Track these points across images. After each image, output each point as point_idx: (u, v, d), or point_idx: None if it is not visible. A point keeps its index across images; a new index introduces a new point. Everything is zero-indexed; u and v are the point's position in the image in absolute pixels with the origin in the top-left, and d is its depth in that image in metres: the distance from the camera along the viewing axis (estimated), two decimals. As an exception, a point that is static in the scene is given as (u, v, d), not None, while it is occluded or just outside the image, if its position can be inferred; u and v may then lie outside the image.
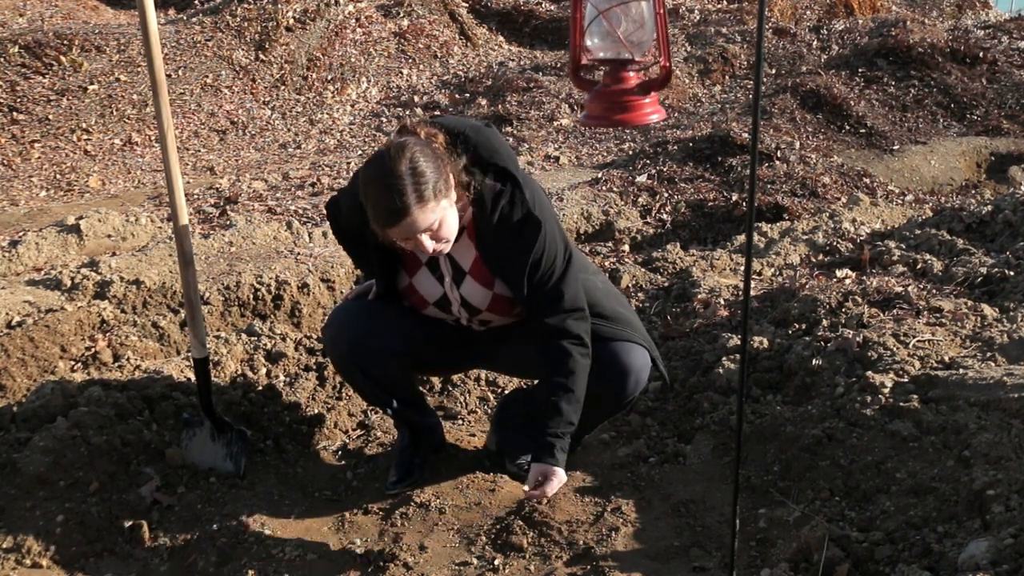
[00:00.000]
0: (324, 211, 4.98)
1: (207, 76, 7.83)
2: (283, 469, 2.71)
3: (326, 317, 2.84)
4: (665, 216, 5.22)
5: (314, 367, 3.09)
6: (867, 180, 5.80)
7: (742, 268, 4.08)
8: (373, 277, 2.48)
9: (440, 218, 2.08)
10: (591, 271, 2.53)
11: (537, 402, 2.41)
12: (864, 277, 3.64)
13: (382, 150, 2.07)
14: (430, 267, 2.34)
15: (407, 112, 7.92)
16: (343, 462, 2.76)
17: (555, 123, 7.42)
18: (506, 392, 3.09)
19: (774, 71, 8.71)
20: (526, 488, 2.35)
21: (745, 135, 6.02)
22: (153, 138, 6.87)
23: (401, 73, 8.71)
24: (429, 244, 2.11)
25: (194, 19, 8.55)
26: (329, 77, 8.34)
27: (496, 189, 2.20)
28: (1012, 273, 3.39)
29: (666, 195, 5.44)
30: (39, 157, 6.49)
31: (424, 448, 2.62)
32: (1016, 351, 2.76)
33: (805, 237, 4.53)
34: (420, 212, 2.03)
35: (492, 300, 2.35)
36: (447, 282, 2.33)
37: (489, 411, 3.05)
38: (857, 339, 2.90)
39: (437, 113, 7.88)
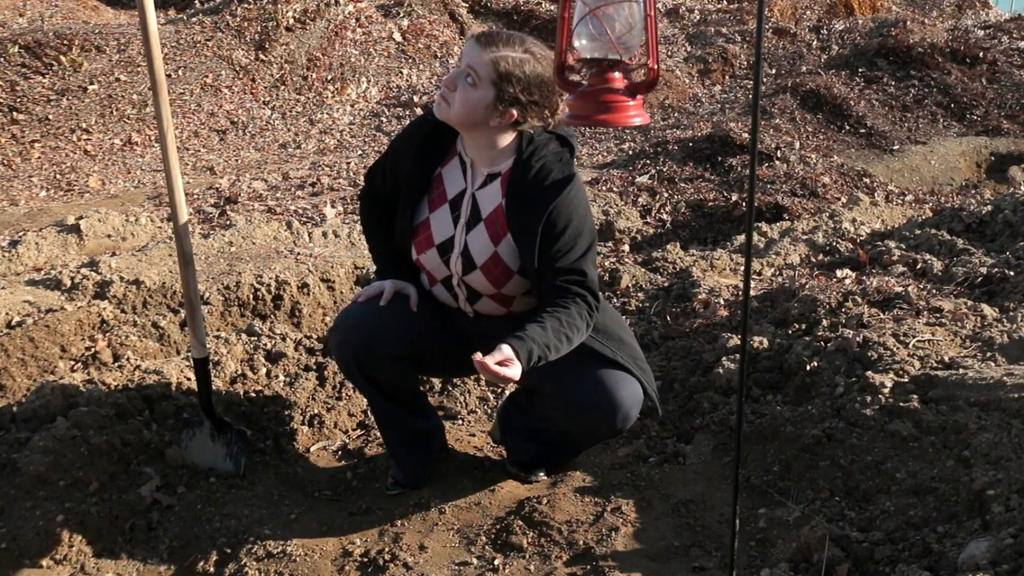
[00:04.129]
0: (326, 210, 5.00)
1: (207, 76, 7.83)
2: (283, 469, 2.71)
3: (333, 319, 2.83)
4: (665, 216, 5.22)
5: (314, 367, 3.09)
6: (867, 180, 5.81)
7: (742, 268, 4.08)
8: (385, 254, 2.48)
9: (479, 81, 2.14)
10: None
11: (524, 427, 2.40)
12: (864, 277, 3.64)
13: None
14: (452, 205, 2.34)
15: (407, 112, 7.92)
16: (343, 462, 2.76)
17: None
18: (508, 392, 3.09)
19: (774, 71, 8.71)
20: (479, 356, 1.99)
21: (745, 135, 6.02)
22: (153, 138, 6.88)
23: (401, 73, 8.71)
24: (453, 78, 2.18)
25: (194, 19, 8.55)
26: (329, 77, 8.34)
27: (552, 145, 2.26)
28: (1012, 273, 3.39)
29: (666, 195, 5.44)
30: (39, 157, 6.49)
31: (424, 450, 2.62)
32: (1016, 351, 2.76)
33: (805, 237, 4.54)
34: (492, 60, 2.13)
35: (491, 259, 2.30)
36: (460, 224, 2.32)
37: (489, 411, 3.05)
38: (857, 339, 2.90)
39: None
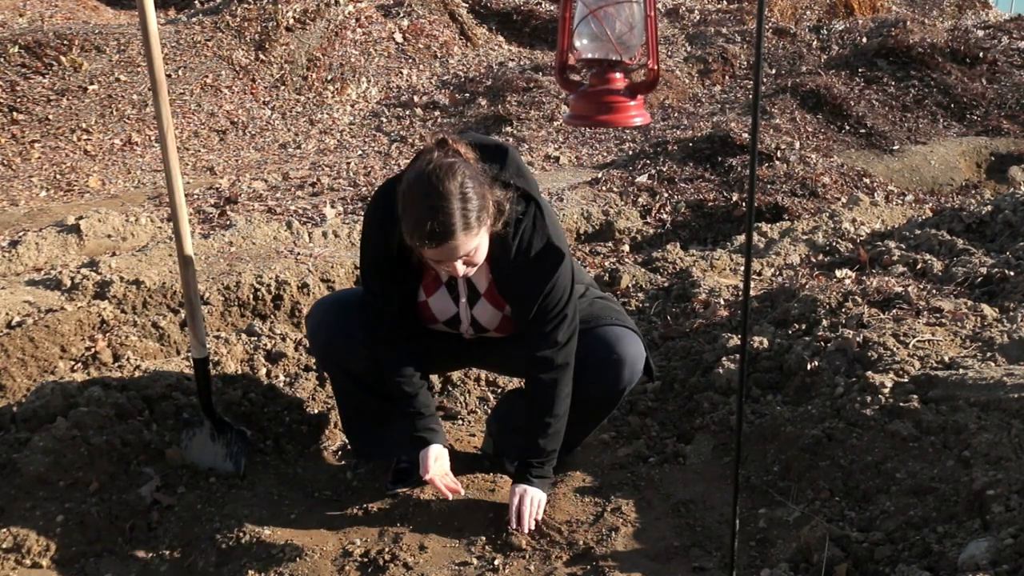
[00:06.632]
0: (326, 210, 4.99)
1: (207, 76, 7.83)
2: (283, 469, 2.71)
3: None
4: (665, 216, 5.22)
5: (314, 367, 3.09)
6: (867, 180, 5.80)
7: (742, 268, 4.08)
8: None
9: (477, 245, 2.08)
10: (585, 281, 2.54)
11: (520, 429, 2.41)
12: (864, 277, 3.64)
13: (428, 168, 2.01)
14: (448, 287, 2.34)
15: (407, 112, 7.92)
16: (343, 462, 2.76)
17: (555, 123, 7.42)
18: (504, 392, 3.09)
19: (774, 71, 8.71)
20: (512, 525, 2.32)
21: (745, 135, 6.02)
22: (153, 138, 6.88)
23: (401, 73, 8.71)
24: (461, 268, 2.10)
25: (194, 19, 8.55)
26: (329, 77, 8.33)
27: (518, 214, 2.17)
28: (1012, 273, 3.39)
29: (666, 195, 5.44)
30: (39, 157, 6.49)
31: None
32: (1016, 351, 2.76)
33: (805, 237, 4.54)
34: (464, 238, 2.01)
35: (501, 321, 2.36)
36: (462, 303, 2.33)
37: (489, 411, 3.05)
38: (857, 339, 2.90)
39: (437, 114, 7.88)
